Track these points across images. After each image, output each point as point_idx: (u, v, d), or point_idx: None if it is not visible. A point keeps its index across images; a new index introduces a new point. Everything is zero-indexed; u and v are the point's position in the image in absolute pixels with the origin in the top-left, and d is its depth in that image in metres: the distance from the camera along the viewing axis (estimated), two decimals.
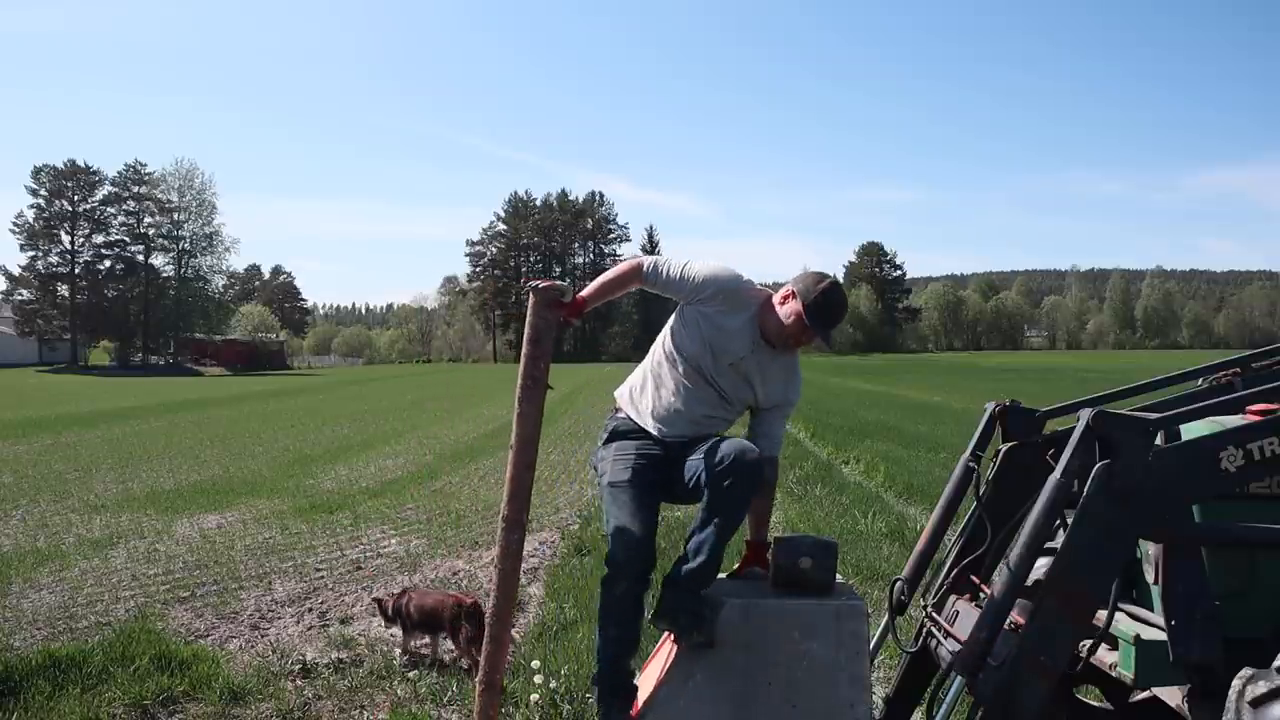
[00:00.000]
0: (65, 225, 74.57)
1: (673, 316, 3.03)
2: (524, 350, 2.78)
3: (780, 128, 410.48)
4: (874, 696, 2.88)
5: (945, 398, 25.03)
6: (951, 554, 2.91)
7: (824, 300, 2.86)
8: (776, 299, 2.94)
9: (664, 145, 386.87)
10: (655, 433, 2.97)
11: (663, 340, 3.05)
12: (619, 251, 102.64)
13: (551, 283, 2.78)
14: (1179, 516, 2.34)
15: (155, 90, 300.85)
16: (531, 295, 2.76)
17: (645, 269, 3.00)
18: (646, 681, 2.93)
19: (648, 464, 2.91)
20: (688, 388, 2.94)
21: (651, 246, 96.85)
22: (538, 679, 3.96)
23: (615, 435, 3.04)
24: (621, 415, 3.08)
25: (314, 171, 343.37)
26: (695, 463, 2.83)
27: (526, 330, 2.78)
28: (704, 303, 2.94)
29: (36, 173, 73.73)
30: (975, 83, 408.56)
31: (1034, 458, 2.77)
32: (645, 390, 3.05)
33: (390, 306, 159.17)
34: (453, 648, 4.55)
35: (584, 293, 2.97)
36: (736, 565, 3.10)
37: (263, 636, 5.06)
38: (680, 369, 2.95)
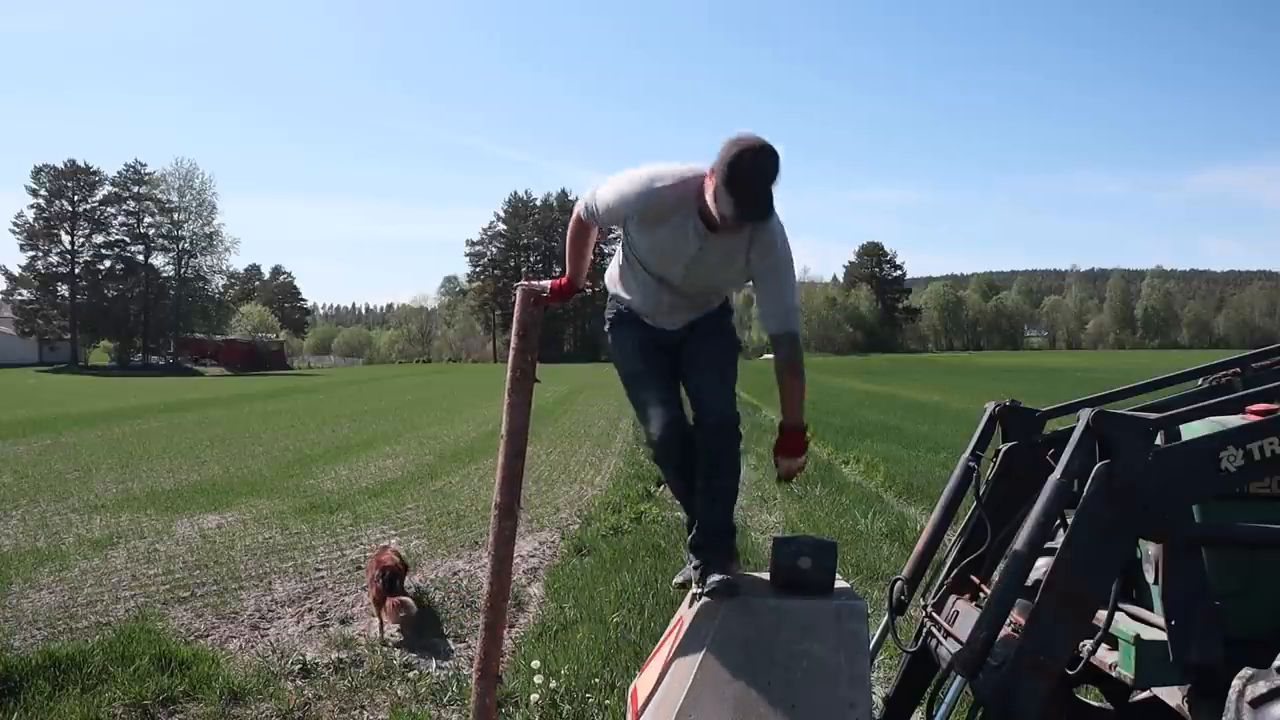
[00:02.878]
0: (65, 225, 74.50)
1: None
2: (512, 344, 2.94)
3: (781, 127, 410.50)
4: (874, 696, 2.87)
5: (945, 398, 25.02)
6: (951, 554, 2.90)
7: (731, 172, 2.37)
8: (707, 180, 2.52)
9: (664, 145, 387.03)
10: (651, 324, 2.95)
11: (623, 240, 2.91)
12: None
13: (532, 282, 2.95)
14: (1179, 516, 2.33)
15: (155, 90, 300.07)
16: (518, 294, 2.93)
17: (584, 215, 2.87)
18: (645, 682, 2.92)
19: (655, 347, 2.93)
20: (660, 291, 2.85)
21: None
22: (538, 679, 3.97)
23: (619, 321, 3.01)
24: (618, 302, 3.03)
25: (314, 171, 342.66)
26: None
27: (514, 326, 2.94)
28: (631, 229, 2.77)
29: (36, 173, 73.72)
30: (976, 83, 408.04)
31: (1034, 458, 2.76)
32: (628, 284, 2.96)
33: (390, 306, 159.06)
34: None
35: (568, 272, 2.99)
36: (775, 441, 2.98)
37: (263, 636, 5.06)
38: (644, 275, 2.86)
